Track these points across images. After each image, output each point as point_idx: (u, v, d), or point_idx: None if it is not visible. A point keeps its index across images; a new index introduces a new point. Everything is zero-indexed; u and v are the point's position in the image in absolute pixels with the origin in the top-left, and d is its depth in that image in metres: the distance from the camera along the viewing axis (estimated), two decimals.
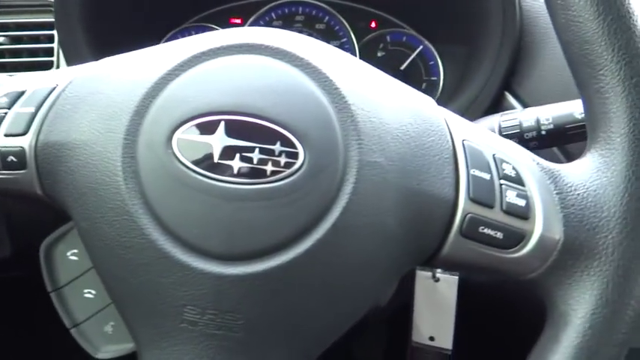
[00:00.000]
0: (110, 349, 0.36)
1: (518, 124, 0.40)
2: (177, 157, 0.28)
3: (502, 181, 0.30)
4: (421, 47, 0.64)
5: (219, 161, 0.28)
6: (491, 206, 0.29)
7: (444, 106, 0.57)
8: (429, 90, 0.63)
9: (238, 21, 0.68)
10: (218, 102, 0.28)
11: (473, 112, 0.52)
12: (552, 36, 0.51)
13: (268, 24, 0.68)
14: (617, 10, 0.29)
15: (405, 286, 0.54)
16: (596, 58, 0.30)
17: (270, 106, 0.28)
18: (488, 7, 0.53)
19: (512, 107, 0.51)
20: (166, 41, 0.69)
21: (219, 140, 0.28)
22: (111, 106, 0.30)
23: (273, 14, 0.68)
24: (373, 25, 0.65)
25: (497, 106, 0.52)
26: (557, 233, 0.30)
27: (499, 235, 0.29)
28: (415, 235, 0.29)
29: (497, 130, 0.41)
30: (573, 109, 0.39)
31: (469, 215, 0.29)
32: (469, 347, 0.56)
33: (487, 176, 0.30)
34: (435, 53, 0.64)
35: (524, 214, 0.29)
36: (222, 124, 0.28)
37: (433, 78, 0.64)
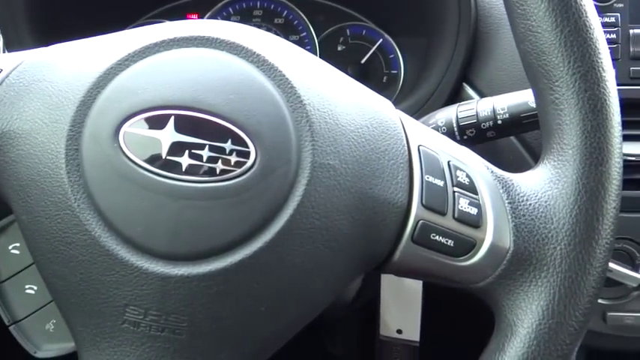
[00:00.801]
0: (51, 347, 0.34)
1: (474, 114, 0.41)
2: (123, 152, 0.27)
3: (455, 189, 0.30)
4: (381, 40, 0.64)
5: (168, 157, 0.27)
6: (443, 213, 0.29)
7: (405, 99, 0.57)
8: (390, 83, 0.63)
9: (195, 17, 0.67)
10: (169, 96, 0.27)
11: (432, 104, 0.53)
12: (507, 26, 0.51)
13: (226, 19, 0.67)
14: (574, 22, 0.29)
15: (373, 280, 0.54)
16: (553, 69, 0.30)
17: (222, 103, 0.27)
18: (444, 1, 0.53)
19: (471, 98, 0.51)
20: None
21: (168, 136, 0.27)
22: (56, 95, 0.28)
23: (230, 9, 0.67)
24: (332, 18, 0.65)
25: (455, 97, 0.52)
26: (508, 243, 0.30)
27: (450, 242, 0.29)
28: (367, 240, 0.29)
29: (454, 121, 0.41)
30: (528, 97, 0.40)
31: (421, 222, 0.29)
32: (438, 338, 0.56)
33: (441, 183, 0.30)
34: (395, 46, 0.64)
35: (475, 222, 0.30)
36: (172, 119, 0.27)
37: (394, 71, 0.64)
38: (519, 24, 0.31)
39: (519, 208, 0.30)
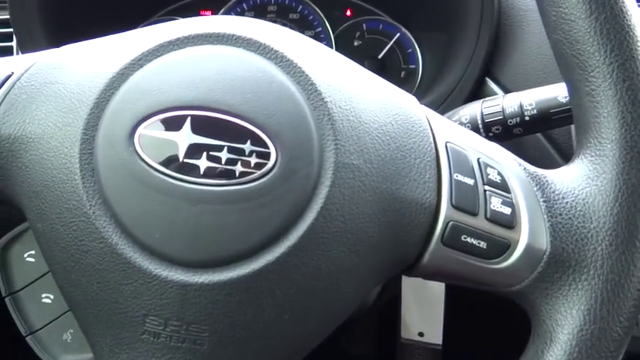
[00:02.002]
0: (68, 358, 0.34)
1: (500, 110, 0.39)
2: (139, 155, 0.26)
3: (486, 187, 0.28)
4: (398, 35, 0.63)
5: (185, 160, 0.26)
6: (474, 214, 0.28)
7: (425, 95, 0.56)
8: (408, 78, 0.62)
9: (208, 13, 0.66)
10: (185, 96, 0.26)
11: (454, 99, 0.51)
12: (531, 18, 0.50)
13: (240, 15, 0.66)
14: (610, 8, 0.28)
15: (395, 280, 0.52)
16: (588, 59, 0.28)
17: (240, 102, 0.26)
18: None
19: (494, 93, 0.50)
20: None
21: (185, 137, 0.26)
22: (69, 98, 0.28)
23: (244, 5, 0.66)
24: (348, 13, 0.64)
25: (478, 92, 0.51)
26: (544, 244, 0.28)
27: (482, 244, 0.28)
28: (394, 243, 0.28)
29: (479, 118, 0.40)
30: (557, 92, 0.38)
31: (451, 223, 0.28)
32: (462, 342, 0.55)
33: (471, 181, 0.28)
34: (413, 40, 0.63)
35: (509, 222, 0.28)
36: (189, 120, 0.26)
37: (412, 66, 0.63)
38: (550, 12, 0.29)
39: (555, 206, 0.29)
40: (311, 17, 0.65)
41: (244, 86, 0.27)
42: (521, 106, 0.39)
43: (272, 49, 0.28)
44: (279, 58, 0.27)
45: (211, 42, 0.28)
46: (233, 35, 0.28)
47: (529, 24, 0.49)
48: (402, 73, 0.63)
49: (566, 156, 0.44)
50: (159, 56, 0.27)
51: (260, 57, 0.27)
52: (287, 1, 0.65)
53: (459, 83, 0.51)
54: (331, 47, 0.63)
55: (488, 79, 0.51)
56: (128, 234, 0.26)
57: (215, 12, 0.66)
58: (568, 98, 0.37)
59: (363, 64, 0.62)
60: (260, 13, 0.66)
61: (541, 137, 0.47)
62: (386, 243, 0.28)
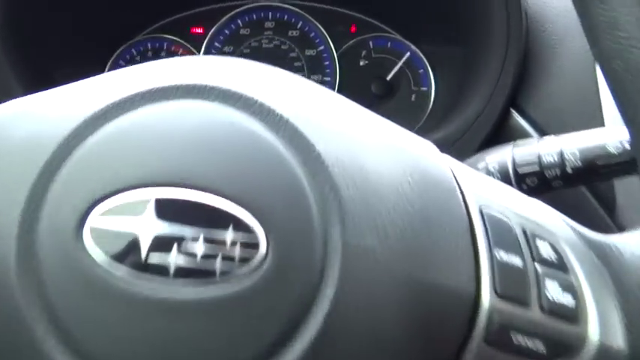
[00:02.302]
0: None
1: (536, 159, 0.33)
2: (89, 254, 0.20)
3: (538, 267, 0.23)
4: (408, 54, 0.58)
5: (149, 258, 0.20)
6: (526, 304, 0.22)
7: (439, 125, 0.50)
8: (419, 102, 0.57)
9: (200, 30, 0.61)
10: (145, 171, 0.21)
11: (474, 133, 0.46)
12: (564, 43, 0.44)
13: (235, 33, 0.62)
14: None
15: None
16: None
17: (218, 175, 0.21)
18: (488, 7, 0.46)
19: (520, 128, 0.44)
20: (116, 58, 0.63)
21: (147, 227, 0.20)
22: (8, 173, 0.22)
23: (239, 21, 0.62)
24: (353, 29, 0.60)
25: (501, 126, 0.45)
26: (619, 340, 0.23)
27: (539, 344, 0.22)
28: (424, 344, 0.22)
29: (510, 166, 0.34)
30: (605, 139, 0.32)
31: (496, 317, 0.22)
32: None
33: (518, 261, 0.23)
34: (425, 60, 0.57)
35: (572, 314, 0.22)
36: (152, 203, 0.21)
37: (423, 88, 0.58)
38: (605, 36, 0.24)
39: (628, 288, 0.23)
40: (312, 34, 0.60)
41: (222, 153, 0.21)
42: (561, 155, 0.33)
43: (256, 101, 0.22)
44: (264, 112, 0.22)
45: (177, 96, 0.22)
46: (205, 86, 0.22)
47: (562, 50, 0.44)
48: (413, 96, 0.58)
49: (608, 205, 0.38)
50: (111, 120, 0.22)
51: (241, 113, 0.22)
52: (286, 17, 0.61)
53: (481, 115, 0.45)
54: (334, 67, 0.59)
55: (513, 111, 0.45)
56: (79, 355, 0.20)
57: (207, 29, 0.62)
58: (621, 147, 0.31)
59: (369, 86, 0.57)
60: (256, 30, 0.61)
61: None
62: (414, 344, 0.22)
